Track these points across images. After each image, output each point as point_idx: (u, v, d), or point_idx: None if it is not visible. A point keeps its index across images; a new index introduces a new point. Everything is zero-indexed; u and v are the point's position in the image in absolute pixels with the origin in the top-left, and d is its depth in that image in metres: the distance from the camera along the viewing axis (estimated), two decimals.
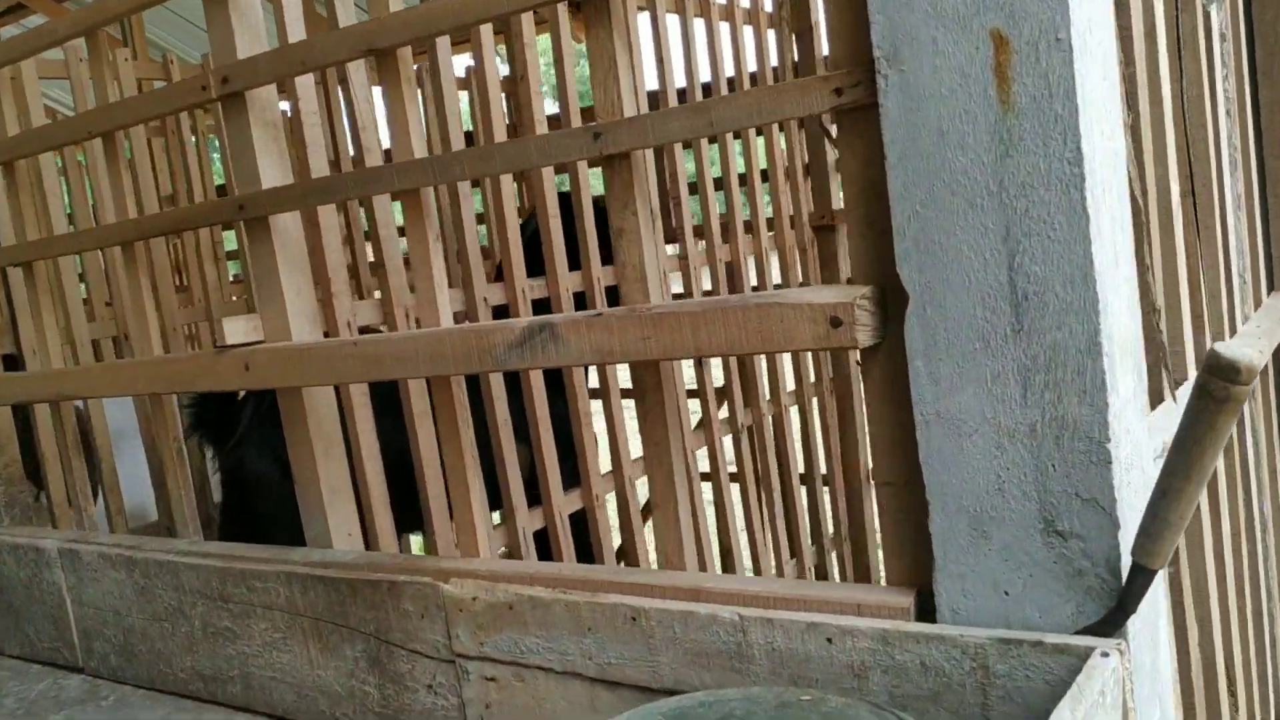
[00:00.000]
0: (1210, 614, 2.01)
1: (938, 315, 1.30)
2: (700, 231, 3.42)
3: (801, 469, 3.84)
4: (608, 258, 2.84)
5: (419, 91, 2.23)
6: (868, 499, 4.10)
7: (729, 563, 3.46)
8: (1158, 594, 1.40)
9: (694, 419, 3.67)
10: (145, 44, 4.97)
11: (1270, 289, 2.84)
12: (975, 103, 1.24)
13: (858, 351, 1.49)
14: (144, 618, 2.34)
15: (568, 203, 2.89)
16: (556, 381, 2.79)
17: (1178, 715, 1.87)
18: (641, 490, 3.11)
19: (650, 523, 2.95)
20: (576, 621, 1.61)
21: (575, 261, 2.87)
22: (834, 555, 3.97)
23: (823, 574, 3.94)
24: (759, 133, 3.72)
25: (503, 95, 3.91)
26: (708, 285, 3.50)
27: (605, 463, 2.93)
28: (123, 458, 2.92)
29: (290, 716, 2.07)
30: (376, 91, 1.91)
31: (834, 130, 1.53)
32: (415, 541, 3.99)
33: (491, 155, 1.66)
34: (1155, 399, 1.73)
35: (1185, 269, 1.95)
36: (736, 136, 3.60)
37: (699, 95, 3.32)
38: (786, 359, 3.85)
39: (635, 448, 3.04)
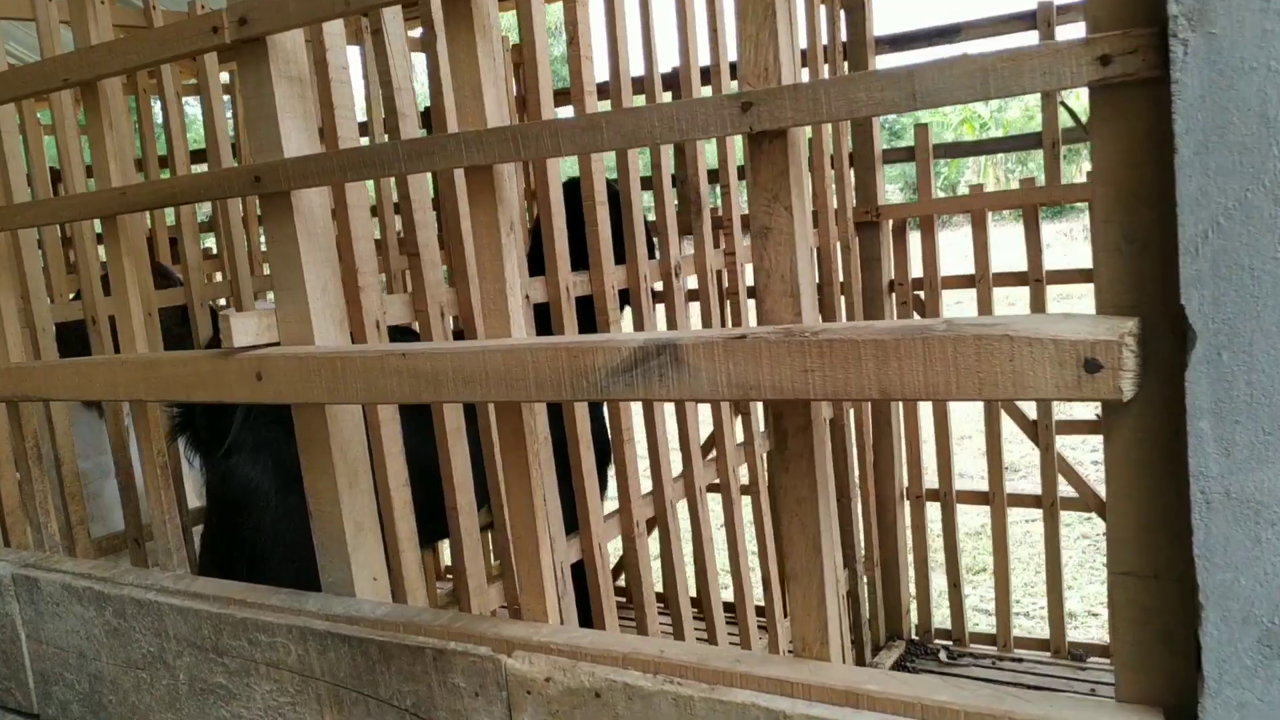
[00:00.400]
0: None
1: (1239, 363, 0.98)
2: (717, 222, 3.07)
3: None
4: (620, 257, 2.51)
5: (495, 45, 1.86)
6: (900, 518, 3.79)
7: (769, 598, 3.13)
8: None
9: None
10: None
11: None
12: None
13: (1098, 404, 1.16)
14: (116, 664, 1.96)
15: (615, 190, 2.54)
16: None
17: None
18: (681, 514, 2.77)
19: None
20: None
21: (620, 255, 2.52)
22: (865, 581, 3.66)
23: (855, 599, 3.63)
24: None
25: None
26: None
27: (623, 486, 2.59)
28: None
29: None
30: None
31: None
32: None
33: (598, 126, 1.30)
34: None
35: None
36: None
37: (726, 73, 2.96)
38: None
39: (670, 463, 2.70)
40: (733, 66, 2.96)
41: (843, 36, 3.51)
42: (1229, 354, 0.98)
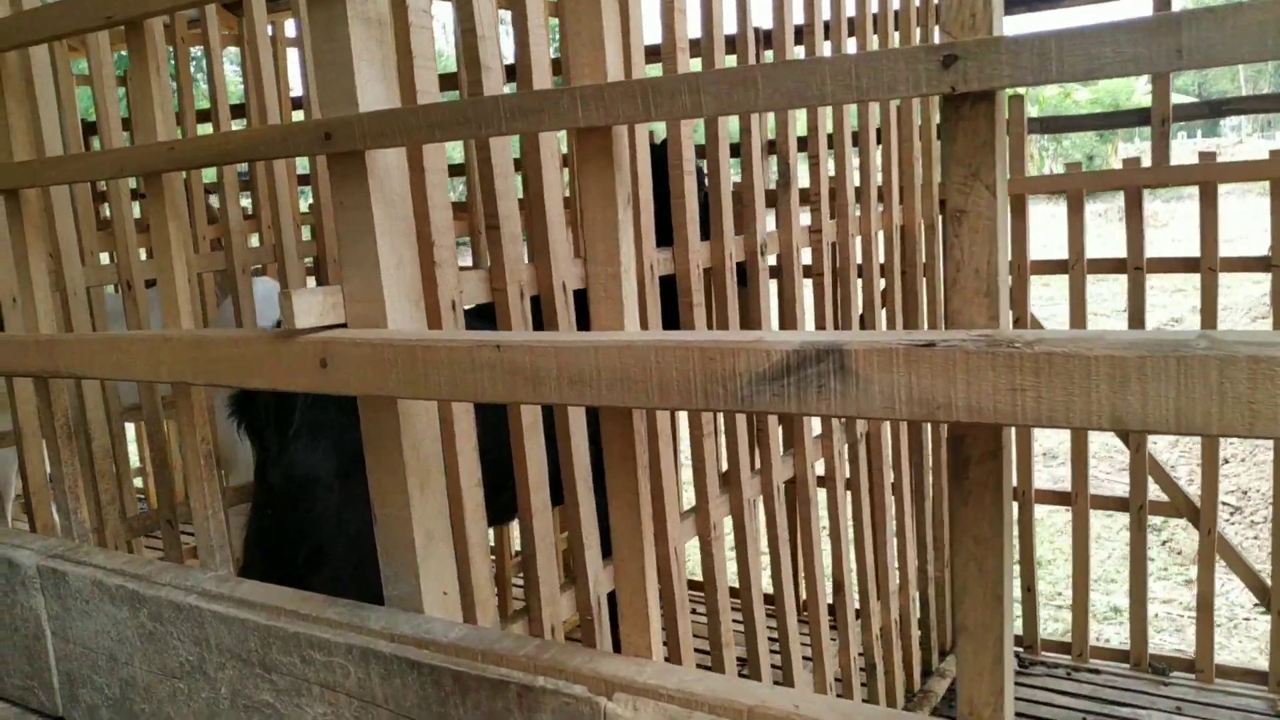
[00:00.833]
0: None
1: None
2: (805, 196, 2.83)
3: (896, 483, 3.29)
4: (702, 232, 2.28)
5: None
6: None
7: (840, 599, 2.92)
8: None
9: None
10: None
11: None
12: None
13: None
14: (150, 671, 1.77)
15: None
16: None
17: None
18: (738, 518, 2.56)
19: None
20: None
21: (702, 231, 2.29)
22: (934, 582, 3.44)
23: (924, 601, 3.41)
24: None
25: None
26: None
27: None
28: None
29: None
30: None
31: None
32: None
33: (752, 82, 1.07)
34: None
35: None
36: None
37: (791, 41, 2.70)
38: None
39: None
40: (827, 26, 2.71)
41: None
42: None
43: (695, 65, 2.47)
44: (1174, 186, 3.18)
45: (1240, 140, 26.87)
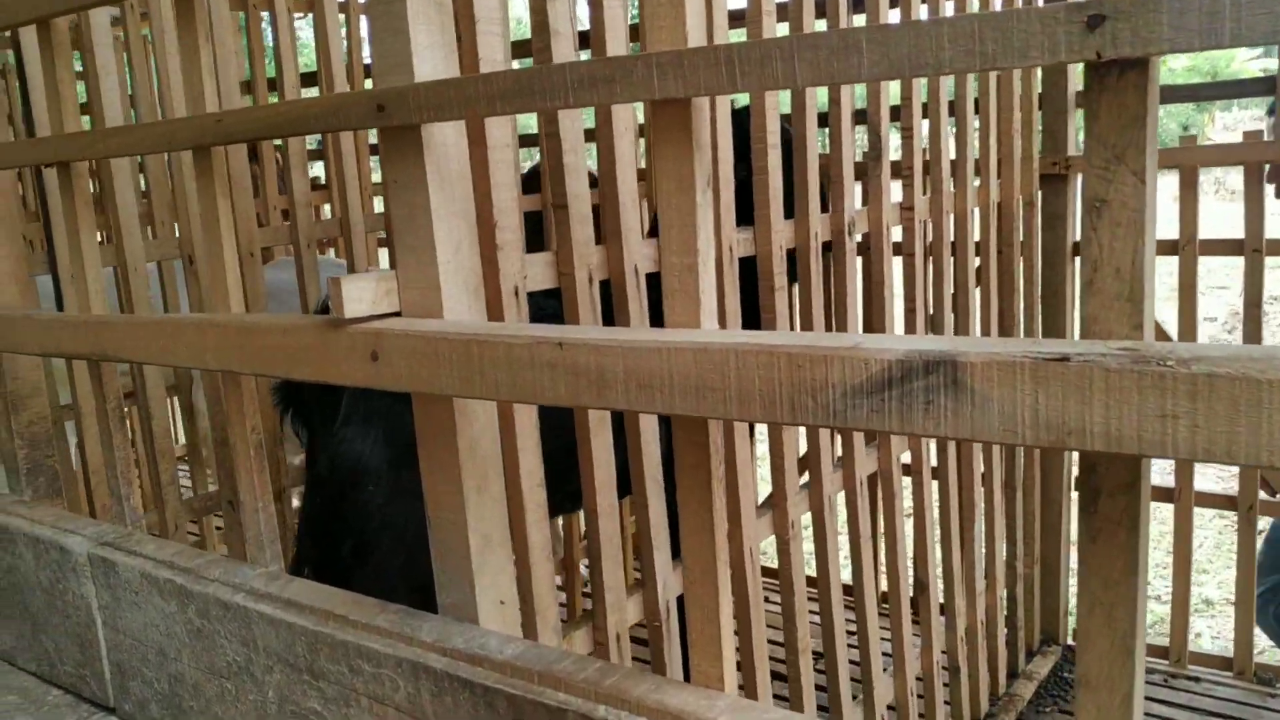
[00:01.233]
0: None
1: None
2: (896, 169, 2.64)
3: (999, 472, 3.11)
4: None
5: None
6: (1066, 511, 3.38)
7: (924, 597, 2.76)
8: None
9: None
10: None
11: None
12: None
13: None
14: (199, 668, 1.69)
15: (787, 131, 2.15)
16: None
17: None
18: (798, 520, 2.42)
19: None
20: None
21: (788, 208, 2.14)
22: (1022, 579, 3.26)
23: (1012, 599, 3.24)
24: None
25: None
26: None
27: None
28: None
29: None
30: None
31: None
32: None
33: (855, 48, 0.92)
34: None
35: None
36: None
37: (886, 4, 2.51)
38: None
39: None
40: None
41: None
42: None
43: (782, 30, 2.31)
44: None
45: None
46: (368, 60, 3.36)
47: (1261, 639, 3.37)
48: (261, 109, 1.41)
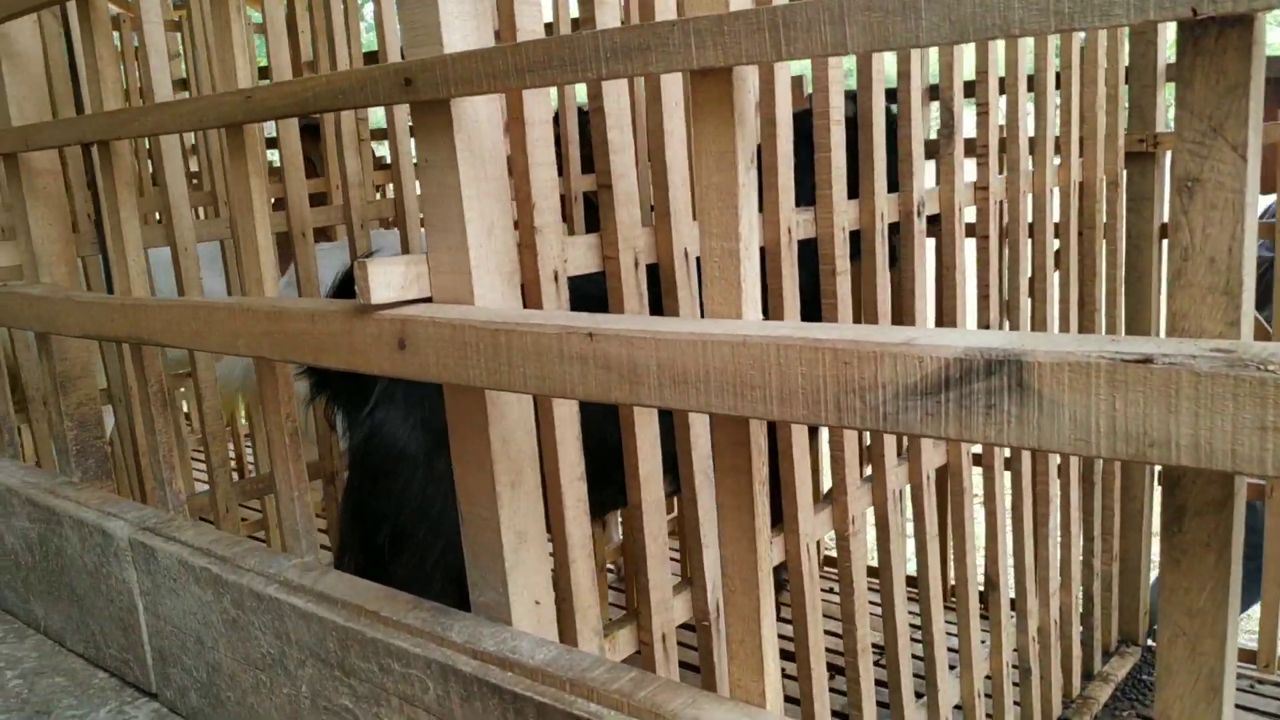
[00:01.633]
0: None
1: None
2: (970, 148, 2.50)
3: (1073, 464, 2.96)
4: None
5: None
6: (1148, 505, 3.21)
7: (994, 596, 2.64)
8: None
9: None
10: None
11: None
12: None
13: None
14: (235, 659, 1.66)
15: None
16: None
17: None
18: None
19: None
20: None
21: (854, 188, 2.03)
22: (1099, 577, 3.11)
23: (1088, 599, 3.09)
24: None
25: None
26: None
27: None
28: None
29: None
30: None
31: None
32: None
33: (912, 8, 0.82)
34: None
35: None
36: None
37: None
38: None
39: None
40: None
41: None
42: None
43: None
44: None
45: None
46: None
47: None
48: (289, 84, 1.35)
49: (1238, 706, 3.01)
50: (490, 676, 1.27)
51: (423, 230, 1.32)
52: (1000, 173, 2.48)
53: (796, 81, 3.42)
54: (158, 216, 2.95)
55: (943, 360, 0.82)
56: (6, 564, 2.21)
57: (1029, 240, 2.63)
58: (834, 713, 2.12)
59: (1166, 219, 3.04)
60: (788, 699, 2.22)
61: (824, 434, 3.22)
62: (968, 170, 2.40)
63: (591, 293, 1.59)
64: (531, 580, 1.37)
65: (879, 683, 2.29)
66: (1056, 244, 2.78)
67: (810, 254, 1.94)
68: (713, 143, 1.02)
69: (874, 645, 2.20)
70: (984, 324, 2.51)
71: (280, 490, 1.63)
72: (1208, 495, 0.81)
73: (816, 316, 2.00)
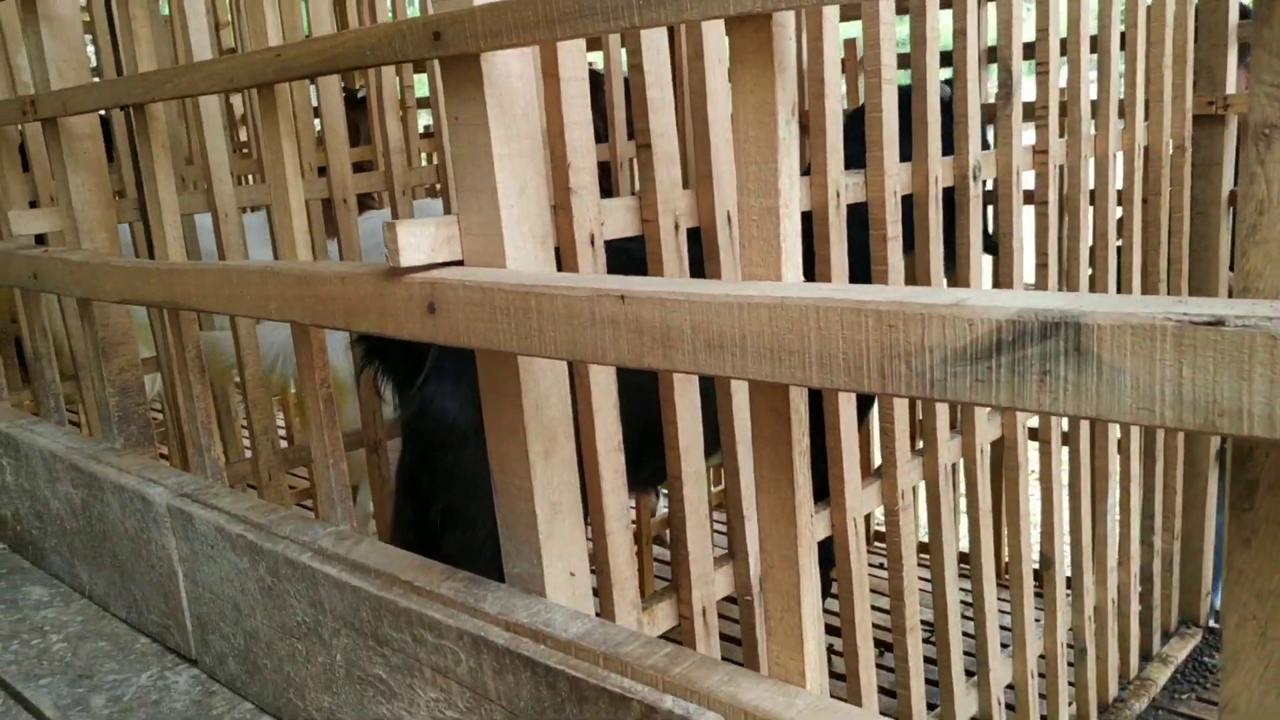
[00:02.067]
0: None
1: None
2: (1029, 111, 2.41)
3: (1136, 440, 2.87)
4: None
5: None
6: (1211, 482, 3.11)
7: (1049, 574, 2.57)
8: None
9: None
10: None
11: None
12: None
13: None
14: (271, 627, 1.65)
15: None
16: None
17: None
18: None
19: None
20: None
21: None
22: (1159, 556, 3.02)
23: (1146, 578, 3.00)
24: None
25: None
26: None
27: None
28: None
29: None
30: None
31: None
32: None
33: None
34: None
35: None
36: None
37: None
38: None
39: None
40: None
41: None
42: None
43: None
44: None
45: None
46: None
47: None
48: (319, 40, 1.32)
49: None
50: (523, 649, 1.23)
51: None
52: (1060, 137, 2.39)
53: (849, 45, 3.33)
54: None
55: (995, 323, 0.76)
56: (53, 529, 2.23)
57: (1090, 207, 2.53)
58: (881, 690, 2.07)
59: (1235, 186, 2.92)
60: (834, 675, 2.17)
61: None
62: (1026, 135, 2.31)
63: (638, 253, 1.54)
64: (566, 552, 1.33)
65: (928, 660, 2.24)
66: (1119, 212, 2.68)
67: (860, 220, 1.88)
68: (751, 93, 0.97)
69: (923, 623, 2.14)
70: None
71: (315, 457, 1.62)
72: None
73: None
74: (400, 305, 1.23)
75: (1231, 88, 2.83)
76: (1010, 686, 2.51)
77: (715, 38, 1.47)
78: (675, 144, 1.47)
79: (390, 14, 2.88)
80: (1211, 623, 3.23)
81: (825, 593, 2.17)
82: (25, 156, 2.77)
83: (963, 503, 2.38)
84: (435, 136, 3.69)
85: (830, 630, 1.80)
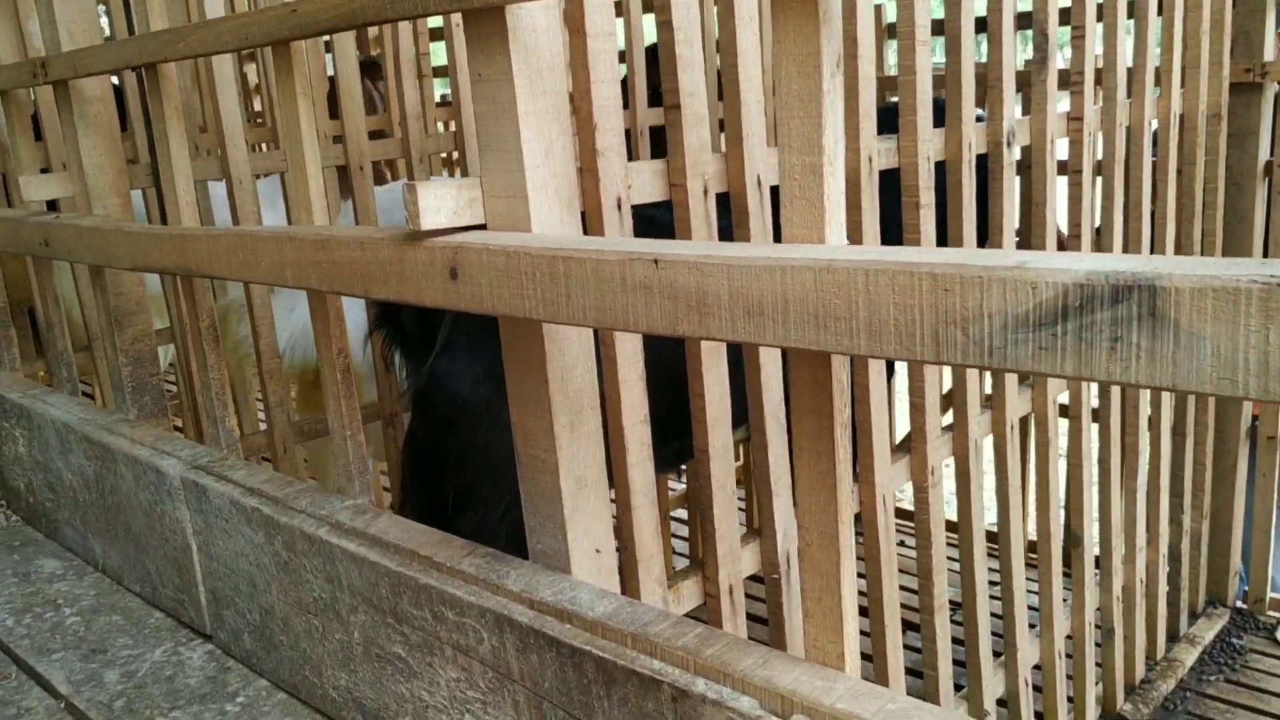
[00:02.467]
0: None
1: None
2: (1064, 78, 2.34)
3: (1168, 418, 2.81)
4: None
5: None
6: (1242, 461, 3.05)
7: (1076, 553, 2.52)
8: None
9: None
10: None
11: None
12: None
13: None
14: (287, 602, 1.61)
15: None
16: None
17: None
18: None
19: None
20: None
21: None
22: (1188, 535, 2.96)
23: (1176, 557, 2.94)
24: None
25: None
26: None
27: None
28: None
29: None
30: None
31: None
32: None
33: None
34: None
35: None
36: None
37: None
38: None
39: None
40: None
41: None
42: None
43: None
44: None
45: None
46: None
47: None
48: (332, 1, 1.26)
49: None
50: (547, 629, 1.19)
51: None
52: (1095, 104, 2.32)
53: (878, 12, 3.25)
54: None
55: (1061, 286, 0.71)
56: (66, 501, 2.20)
57: (1124, 176, 2.46)
58: (907, 670, 2.03)
59: (1272, 155, 2.85)
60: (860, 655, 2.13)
61: (899, 378, 3.11)
62: (1061, 101, 2.24)
63: (664, 220, 1.49)
64: (592, 527, 1.29)
65: (955, 640, 2.19)
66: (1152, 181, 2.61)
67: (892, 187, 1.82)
68: (794, 44, 0.91)
69: (951, 602, 2.09)
70: None
71: (333, 429, 1.57)
72: None
73: None
74: (421, 270, 1.18)
75: (1270, 55, 2.75)
76: (1037, 667, 2.46)
77: None
78: (705, 104, 1.41)
79: None
80: (1239, 604, 3.17)
81: None
82: (38, 126, 2.73)
83: (990, 480, 2.33)
84: (454, 104, 3.64)
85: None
